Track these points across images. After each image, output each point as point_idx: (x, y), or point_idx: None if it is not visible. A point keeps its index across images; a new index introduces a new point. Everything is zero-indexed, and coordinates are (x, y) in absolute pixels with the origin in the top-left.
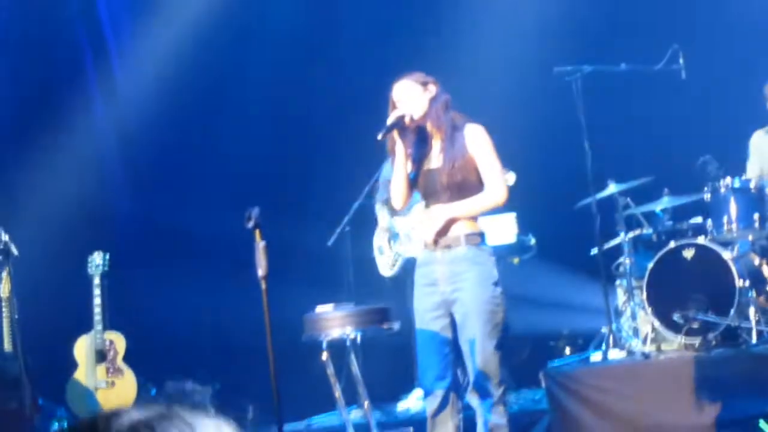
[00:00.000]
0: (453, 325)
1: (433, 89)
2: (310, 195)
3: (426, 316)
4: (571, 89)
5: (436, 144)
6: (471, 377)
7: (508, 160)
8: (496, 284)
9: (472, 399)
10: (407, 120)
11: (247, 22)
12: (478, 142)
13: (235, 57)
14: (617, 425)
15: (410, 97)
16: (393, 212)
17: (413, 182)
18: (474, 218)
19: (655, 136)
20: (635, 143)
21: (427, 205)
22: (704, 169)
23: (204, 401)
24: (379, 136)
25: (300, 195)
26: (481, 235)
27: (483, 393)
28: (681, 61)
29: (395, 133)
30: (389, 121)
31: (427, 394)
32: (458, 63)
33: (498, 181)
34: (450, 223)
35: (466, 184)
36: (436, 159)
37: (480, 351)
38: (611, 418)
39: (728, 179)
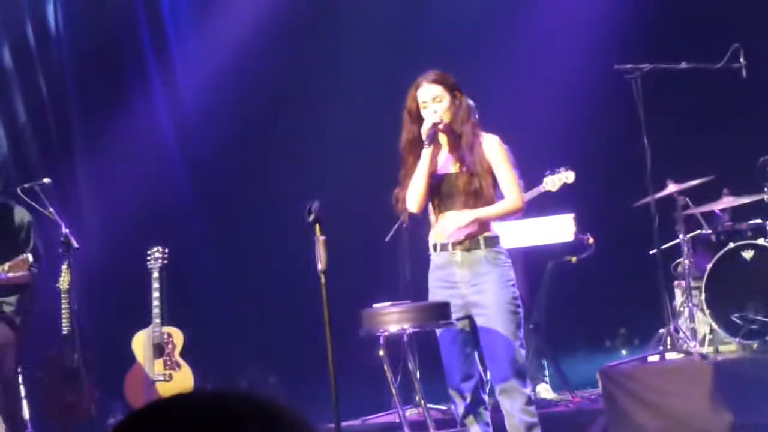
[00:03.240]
0: (472, 326)
1: (459, 95)
2: (369, 191)
3: None
4: (631, 87)
5: (455, 149)
6: (499, 379)
7: (567, 159)
8: (514, 285)
9: (504, 401)
10: (441, 127)
11: (306, 12)
12: (496, 153)
13: (298, 49)
14: (673, 425)
15: (442, 103)
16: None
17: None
18: (490, 223)
19: (715, 136)
20: (695, 142)
21: (440, 209)
22: (765, 169)
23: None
24: (427, 144)
25: (359, 191)
26: (498, 238)
27: (514, 394)
28: (742, 60)
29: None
30: (427, 129)
31: (455, 394)
32: (518, 60)
33: (516, 190)
34: (468, 227)
35: (483, 191)
36: (452, 164)
37: (507, 352)
38: (667, 418)
39: None
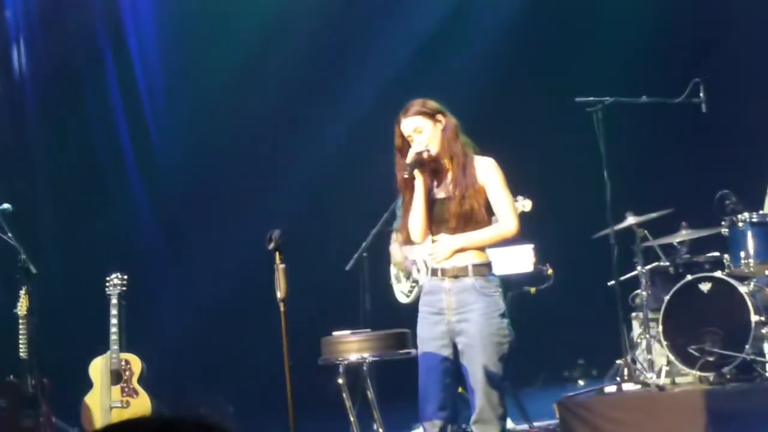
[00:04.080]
0: (455, 355)
1: (442, 119)
2: (330, 220)
3: (431, 345)
4: (592, 120)
5: (447, 173)
6: (475, 409)
7: (526, 189)
8: (502, 316)
9: (477, 431)
10: (425, 156)
11: (271, 39)
12: (490, 175)
13: (262, 80)
14: None
15: (423, 133)
16: (409, 241)
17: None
18: (482, 248)
19: (674, 169)
20: (654, 175)
21: (433, 233)
22: (722, 203)
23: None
24: (406, 175)
25: (320, 220)
26: (489, 265)
27: (488, 426)
28: (702, 94)
29: (411, 173)
30: (410, 159)
31: (427, 423)
32: (478, 89)
33: (511, 214)
34: (459, 252)
35: (474, 215)
36: (445, 188)
37: (485, 383)
38: None
39: (746, 214)
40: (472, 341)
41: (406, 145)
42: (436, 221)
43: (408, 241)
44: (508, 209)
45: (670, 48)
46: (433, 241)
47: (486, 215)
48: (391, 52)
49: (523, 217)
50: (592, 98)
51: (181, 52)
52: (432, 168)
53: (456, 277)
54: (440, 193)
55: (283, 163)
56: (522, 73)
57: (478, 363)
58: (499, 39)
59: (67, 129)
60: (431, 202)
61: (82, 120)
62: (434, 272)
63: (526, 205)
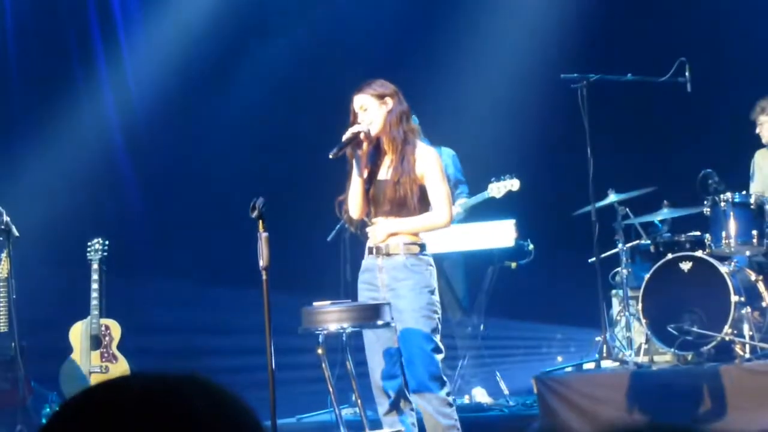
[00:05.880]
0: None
1: (389, 102)
2: (312, 191)
3: None
4: (577, 97)
5: (388, 156)
6: (414, 383)
7: (509, 165)
8: (431, 292)
9: (420, 403)
10: (362, 136)
11: (255, 11)
12: (427, 165)
13: (242, 47)
14: None
15: (367, 111)
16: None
17: (366, 190)
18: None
19: (657, 148)
20: (637, 153)
21: (374, 214)
22: (705, 182)
23: None
24: (331, 155)
25: (301, 190)
26: (420, 245)
27: (428, 397)
28: (687, 74)
29: (348, 150)
30: (344, 137)
31: (378, 393)
32: (462, 67)
33: (445, 206)
34: (392, 235)
35: (407, 201)
36: (385, 171)
37: (421, 357)
38: (601, 426)
39: (728, 194)
40: (403, 316)
41: (357, 121)
42: (374, 201)
43: (345, 212)
44: (443, 200)
45: (656, 26)
46: (372, 223)
47: (419, 204)
48: (376, 23)
49: (510, 195)
50: (576, 75)
51: (167, 19)
52: (373, 148)
53: (388, 255)
54: (380, 175)
55: (269, 130)
56: (506, 49)
57: (412, 337)
58: (481, 15)
59: (50, 91)
60: (374, 183)
61: (65, 82)
62: (369, 251)
63: (514, 184)
